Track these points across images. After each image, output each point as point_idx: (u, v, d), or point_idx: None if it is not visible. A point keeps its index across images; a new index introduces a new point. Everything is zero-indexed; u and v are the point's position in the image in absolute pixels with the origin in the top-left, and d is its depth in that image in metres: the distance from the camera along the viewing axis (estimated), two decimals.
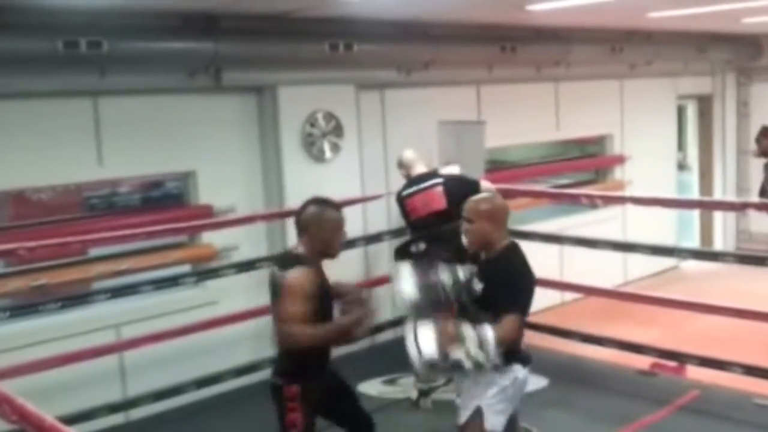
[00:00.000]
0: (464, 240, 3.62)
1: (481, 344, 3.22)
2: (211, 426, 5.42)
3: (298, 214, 3.50)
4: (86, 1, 4.56)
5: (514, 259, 3.52)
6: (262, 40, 5.80)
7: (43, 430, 2.57)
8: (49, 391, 4.68)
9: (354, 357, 6.39)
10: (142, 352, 5.39)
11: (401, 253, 5.76)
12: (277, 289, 3.39)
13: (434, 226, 5.44)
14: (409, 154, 5.87)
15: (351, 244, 6.30)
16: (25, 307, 5.20)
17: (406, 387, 5.76)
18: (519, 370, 3.50)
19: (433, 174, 5.75)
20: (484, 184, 5.62)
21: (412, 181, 5.74)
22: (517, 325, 3.38)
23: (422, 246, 5.53)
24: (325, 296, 3.40)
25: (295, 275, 3.29)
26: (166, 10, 5.26)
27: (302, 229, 3.44)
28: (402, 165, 5.90)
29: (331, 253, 3.49)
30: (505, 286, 3.40)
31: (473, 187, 5.32)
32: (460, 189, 5.18)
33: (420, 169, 5.80)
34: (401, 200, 5.74)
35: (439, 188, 5.55)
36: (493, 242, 3.51)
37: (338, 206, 3.56)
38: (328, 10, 5.51)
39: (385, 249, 6.73)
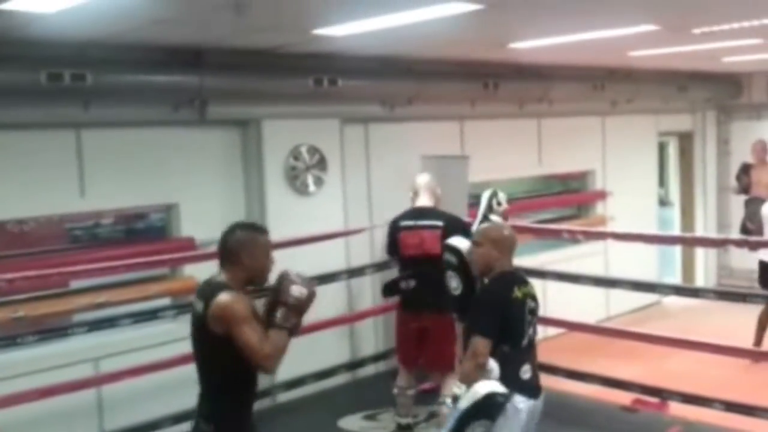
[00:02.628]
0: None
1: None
2: None
3: (223, 240, 3.19)
4: (71, 34, 4.58)
5: (490, 284, 3.73)
6: (247, 74, 5.84)
7: None
8: (25, 426, 4.62)
9: (335, 392, 6.37)
10: (120, 385, 5.33)
11: (390, 290, 5.74)
12: (201, 325, 3.09)
13: (425, 267, 5.25)
14: (419, 180, 5.59)
15: (333, 277, 6.31)
16: (3, 339, 5.14)
17: (386, 422, 5.72)
18: (521, 401, 3.52)
19: (434, 212, 5.45)
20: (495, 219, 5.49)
21: (413, 213, 5.46)
22: (480, 346, 3.49)
23: (412, 283, 5.40)
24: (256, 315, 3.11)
25: (228, 298, 3.00)
26: (151, 44, 5.28)
27: (231, 255, 3.13)
28: (412, 188, 5.63)
29: (262, 280, 3.23)
30: (473, 308, 3.71)
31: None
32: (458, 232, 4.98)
33: (423, 200, 5.50)
34: (396, 229, 5.48)
35: (438, 232, 5.21)
36: (494, 268, 3.71)
37: (265, 230, 3.32)
38: (313, 45, 5.56)
39: (368, 282, 6.73)
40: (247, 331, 2.97)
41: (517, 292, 3.65)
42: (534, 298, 3.79)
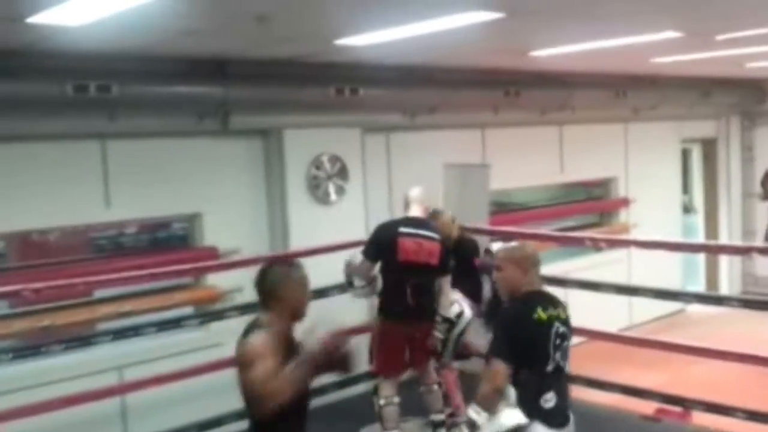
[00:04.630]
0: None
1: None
2: None
3: (259, 280, 3.19)
4: (96, 46, 4.65)
5: (511, 305, 3.56)
6: (269, 84, 5.89)
7: None
8: None
9: (356, 401, 6.36)
10: (144, 394, 5.37)
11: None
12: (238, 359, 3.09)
13: (420, 277, 5.25)
14: (412, 193, 5.56)
15: (352, 286, 6.30)
16: (29, 348, 5.21)
17: (408, 431, 5.70)
18: (541, 430, 3.36)
19: (431, 226, 5.42)
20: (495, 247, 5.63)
21: (412, 222, 5.39)
22: (497, 371, 3.35)
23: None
24: (288, 358, 3.04)
25: (252, 340, 3.01)
26: (175, 55, 5.34)
27: (269, 294, 3.14)
28: (404, 199, 5.60)
29: (302, 315, 3.20)
30: (494, 330, 3.61)
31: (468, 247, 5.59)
32: (447, 254, 5.35)
33: (415, 210, 5.44)
34: (394, 234, 5.31)
35: (437, 245, 5.28)
36: (520, 289, 3.54)
37: (300, 265, 3.30)
38: (334, 55, 5.60)
39: None
40: (253, 370, 2.95)
41: (542, 314, 3.43)
42: (565, 322, 3.53)
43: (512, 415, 3.39)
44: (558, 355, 3.45)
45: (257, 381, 2.95)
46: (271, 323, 3.10)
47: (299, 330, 3.18)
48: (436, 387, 5.51)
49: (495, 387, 3.38)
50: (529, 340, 3.39)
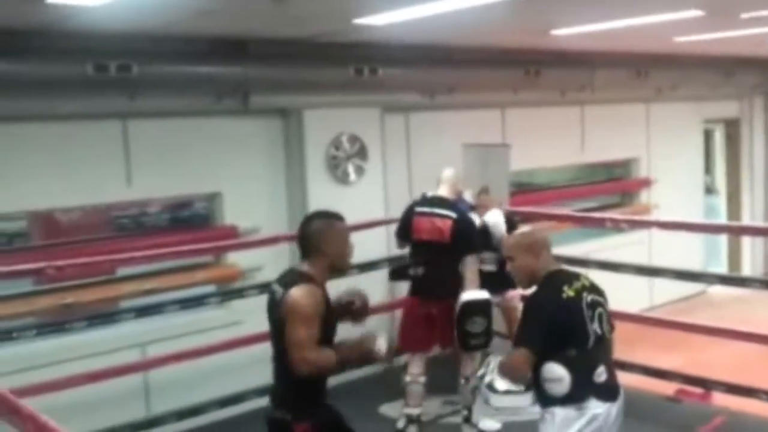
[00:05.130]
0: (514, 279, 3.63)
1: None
2: None
3: (301, 230, 3.23)
4: (117, 26, 4.67)
5: (537, 290, 3.45)
6: (289, 64, 5.89)
7: None
8: (74, 409, 4.73)
9: (375, 378, 6.41)
10: (166, 371, 5.43)
11: (398, 274, 5.77)
12: (278, 311, 3.11)
13: (432, 255, 5.28)
14: (444, 173, 5.59)
15: (374, 266, 6.34)
16: (53, 325, 5.28)
17: (426, 408, 5.73)
18: (597, 406, 3.27)
19: (449, 204, 5.43)
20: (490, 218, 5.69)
21: (430, 200, 5.47)
22: (521, 359, 3.27)
23: (420, 270, 5.40)
24: (329, 317, 3.15)
25: (301, 293, 3.03)
26: (196, 35, 5.36)
27: (311, 245, 3.17)
28: (437, 179, 5.67)
29: (344, 267, 3.28)
30: (521, 318, 3.46)
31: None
32: (466, 231, 5.26)
33: (442, 190, 5.50)
34: (411, 214, 5.46)
35: (449, 223, 5.25)
36: (538, 274, 3.45)
37: (342, 217, 3.32)
38: (353, 35, 5.59)
39: None
40: (300, 330, 2.99)
41: (569, 291, 3.33)
42: (591, 289, 3.42)
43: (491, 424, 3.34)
44: (596, 326, 3.34)
45: (296, 344, 2.99)
46: (313, 274, 3.12)
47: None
48: (463, 381, 5.44)
49: (519, 376, 3.37)
50: (563, 321, 3.29)
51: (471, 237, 5.33)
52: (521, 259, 3.47)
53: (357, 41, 5.94)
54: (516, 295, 5.68)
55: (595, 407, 3.26)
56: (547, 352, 3.25)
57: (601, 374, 3.30)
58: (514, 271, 3.53)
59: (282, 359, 3.10)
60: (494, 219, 5.74)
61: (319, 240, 3.16)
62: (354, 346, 3.12)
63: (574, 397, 3.24)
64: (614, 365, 3.47)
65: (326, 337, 3.10)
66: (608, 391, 3.33)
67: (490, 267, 5.65)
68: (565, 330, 3.28)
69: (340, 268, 3.26)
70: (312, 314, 3.01)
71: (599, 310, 3.38)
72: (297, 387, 3.11)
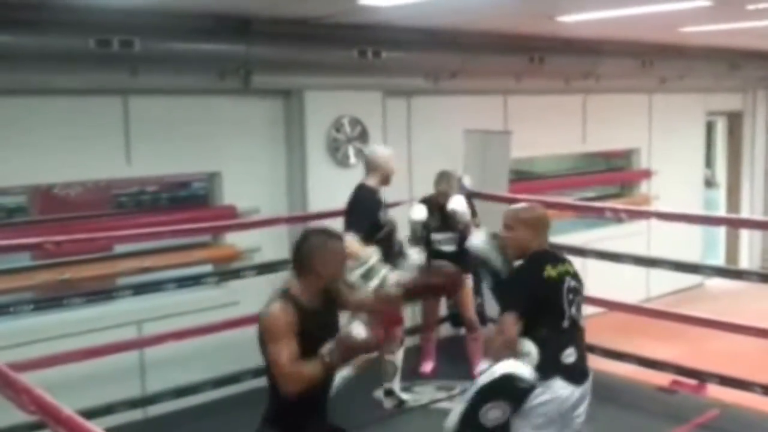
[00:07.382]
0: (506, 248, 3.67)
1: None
2: (227, 425, 5.44)
3: (296, 247, 3.10)
4: (119, 0, 4.63)
5: (519, 265, 3.53)
6: (292, 44, 5.84)
7: (60, 422, 2.60)
8: (70, 384, 4.73)
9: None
10: (162, 349, 5.44)
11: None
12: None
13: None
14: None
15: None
16: (50, 300, 5.28)
17: (422, 393, 5.76)
18: (562, 387, 3.32)
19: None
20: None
21: None
22: (507, 321, 3.33)
23: None
24: (311, 332, 2.96)
25: (270, 312, 2.95)
26: (199, 12, 5.31)
27: (303, 263, 3.06)
28: None
29: (334, 285, 3.17)
30: (503, 290, 3.61)
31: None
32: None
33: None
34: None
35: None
36: (529, 251, 3.50)
37: (339, 235, 3.25)
38: (358, 16, 5.55)
39: None
40: (274, 348, 2.91)
41: (551, 271, 3.42)
42: (574, 276, 3.52)
43: (508, 365, 3.30)
44: (573, 310, 3.44)
45: (274, 363, 2.92)
46: (296, 294, 3.03)
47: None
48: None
49: (504, 339, 3.34)
50: (543, 298, 3.39)
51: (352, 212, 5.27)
52: (519, 232, 3.52)
53: (361, 23, 5.90)
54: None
55: (560, 388, 3.33)
56: (523, 326, 3.34)
57: (570, 355, 3.38)
58: (509, 241, 3.57)
59: (269, 377, 3.05)
60: (460, 205, 5.81)
61: (312, 259, 3.05)
62: (334, 345, 2.94)
63: (540, 373, 3.30)
64: (586, 351, 3.57)
65: (312, 351, 2.94)
66: (575, 374, 3.40)
67: (448, 247, 5.86)
68: (542, 305, 3.37)
69: (330, 286, 3.15)
70: (284, 331, 2.91)
71: (578, 298, 3.49)
72: (283, 405, 3.02)
